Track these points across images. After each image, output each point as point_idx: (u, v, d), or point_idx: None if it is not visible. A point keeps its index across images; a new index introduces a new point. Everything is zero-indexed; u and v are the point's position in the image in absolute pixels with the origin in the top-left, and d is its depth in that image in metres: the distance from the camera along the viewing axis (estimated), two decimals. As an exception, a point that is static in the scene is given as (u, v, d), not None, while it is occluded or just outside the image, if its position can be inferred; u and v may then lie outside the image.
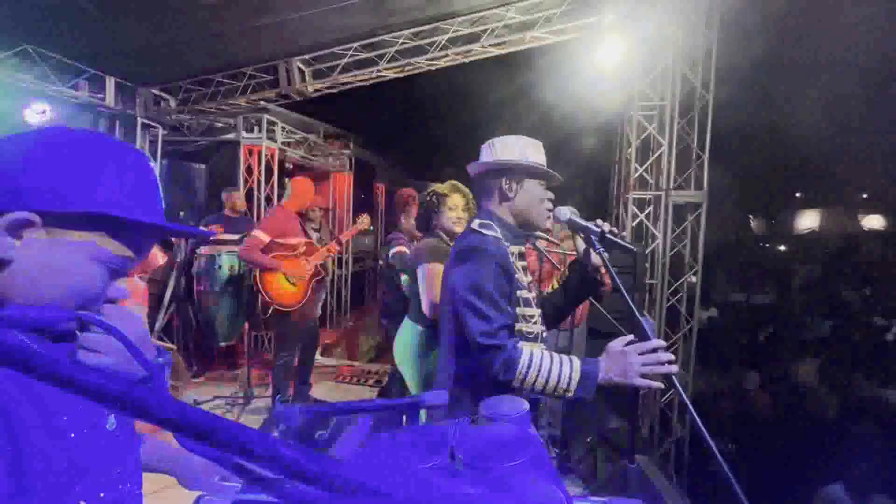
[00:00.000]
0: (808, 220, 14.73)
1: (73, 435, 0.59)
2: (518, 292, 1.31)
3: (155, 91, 4.94)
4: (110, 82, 4.54)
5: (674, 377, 1.13)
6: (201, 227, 3.91)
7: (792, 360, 5.84)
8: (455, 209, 2.23)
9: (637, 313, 1.16)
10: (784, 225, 15.04)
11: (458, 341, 1.30)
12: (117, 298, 0.64)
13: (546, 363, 1.17)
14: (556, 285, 1.53)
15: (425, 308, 2.09)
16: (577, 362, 1.18)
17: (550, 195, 1.39)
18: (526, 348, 1.20)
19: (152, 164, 0.65)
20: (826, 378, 5.45)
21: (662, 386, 1.13)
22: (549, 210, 1.38)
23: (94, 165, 0.57)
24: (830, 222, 14.06)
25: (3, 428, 0.53)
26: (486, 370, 1.19)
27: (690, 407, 1.05)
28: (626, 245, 1.33)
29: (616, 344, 1.16)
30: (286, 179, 6.07)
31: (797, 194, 14.66)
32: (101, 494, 0.61)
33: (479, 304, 1.20)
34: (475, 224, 1.35)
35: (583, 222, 1.34)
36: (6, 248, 0.54)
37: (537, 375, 1.16)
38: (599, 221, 1.34)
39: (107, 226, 0.58)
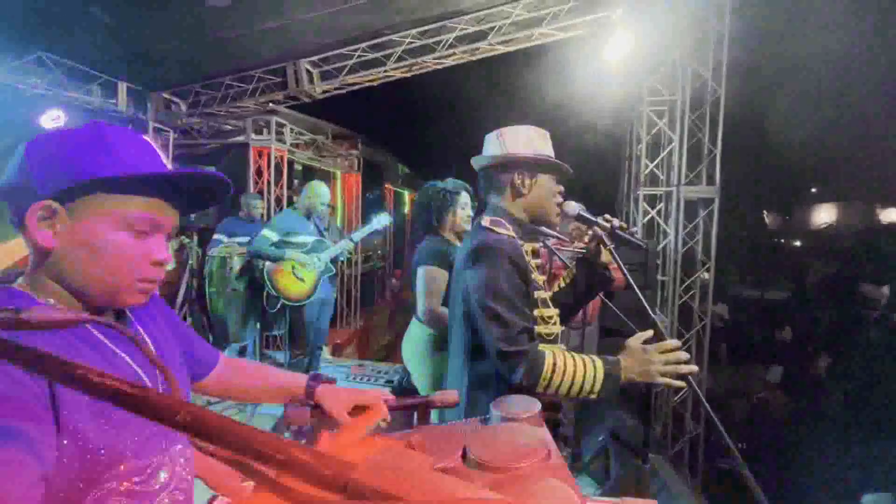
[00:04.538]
0: (824, 215, 14.44)
1: (114, 417, 0.59)
2: (536, 293, 1.27)
3: (166, 95, 5.00)
4: (122, 88, 4.61)
5: (689, 376, 1.10)
6: (217, 232, 3.93)
7: (810, 358, 5.72)
8: (466, 207, 2.19)
9: (650, 311, 1.14)
10: (800, 220, 14.75)
11: (473, 345, 1.25)
12: (163, 261, 0.67)
13: (570, 366, 1.13)
14: (563, 283, 1.51)
15: (421, 314, 2.04)
16: (599, 362, 1.14)
17: (561, 188, 1.35)
18: (548, 351, 1.16)
19: (137, 132, 0.68)
20: (844, 376, 5.34)
21: (685, 386, 1.10)
22: (559, 205, 1.34)
23: (76, 146, 0.62)
24: (848, 217, 13.77)
25: (48, 399, 0.53)
26: (508, 377, 1.14)
27: (706, 404, 1.03)
28: (637, 241, 1.31)
29: (635, 341, 1.14)
30: (295, 182, 6.12)
31: (813, 189, 14.35)
32: (135, 479, 0.61)
33: (497, 308, 1.14)
34: (486, 221, 1.29)
35: (591, 217, 1.33)
36: (46, 238, 0.60)
37: (562, 379, 1.13)
38: (608, 216, 1.32)
39: (113, 192, 0.62)
